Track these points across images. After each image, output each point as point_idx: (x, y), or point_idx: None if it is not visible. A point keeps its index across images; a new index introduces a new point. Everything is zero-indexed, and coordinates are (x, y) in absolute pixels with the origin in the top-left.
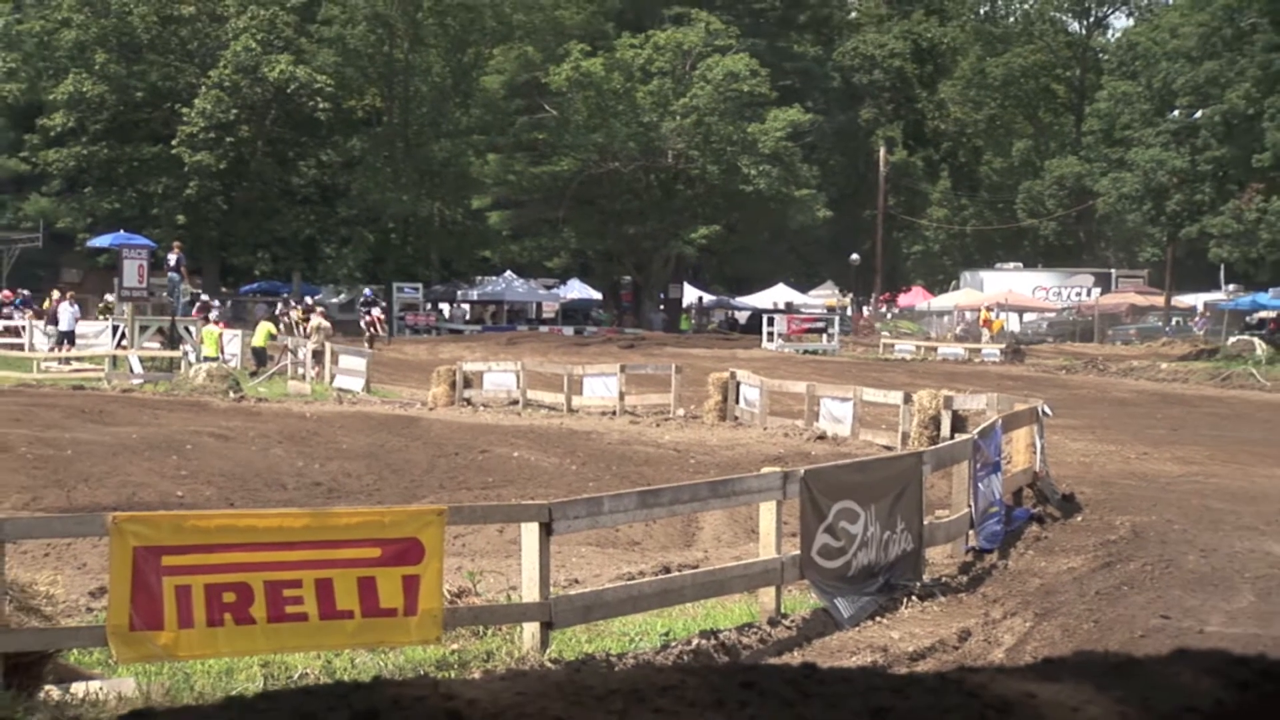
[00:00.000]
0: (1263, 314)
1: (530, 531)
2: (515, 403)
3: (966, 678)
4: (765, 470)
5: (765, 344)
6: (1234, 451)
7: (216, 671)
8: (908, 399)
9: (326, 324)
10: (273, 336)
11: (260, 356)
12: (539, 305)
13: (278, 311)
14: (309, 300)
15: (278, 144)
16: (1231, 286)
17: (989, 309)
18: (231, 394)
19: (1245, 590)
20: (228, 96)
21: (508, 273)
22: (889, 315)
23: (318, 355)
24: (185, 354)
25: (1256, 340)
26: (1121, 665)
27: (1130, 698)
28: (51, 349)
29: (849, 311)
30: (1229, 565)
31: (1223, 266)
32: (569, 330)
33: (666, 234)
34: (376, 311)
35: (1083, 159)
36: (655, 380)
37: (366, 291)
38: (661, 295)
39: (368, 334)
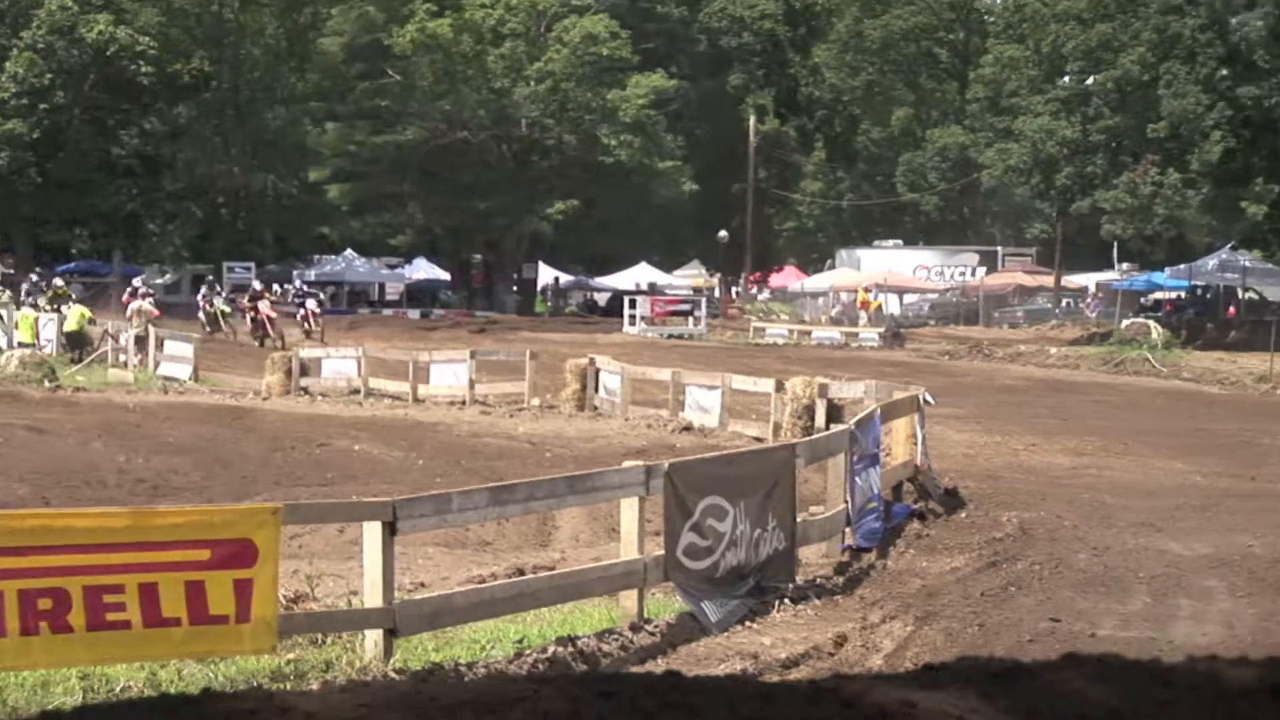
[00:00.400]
0: (1159, 295)
1: (373, 531)
2: (356, 392)
3: (842, 686)
4: (627, 464)
5: (627, 328)
6: (1128, 442)
7: (31, 684)
8: (780, 387)
9: (149, 306)
10: (91, 320)
11: (76, 341)
12: (382, 286)
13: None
14: (135, 282)
15: (97, 111)
16: (1125, 265)
17: (866, 290)
18: (47, 383)
19: (1140, 591)
20: (41, 60)
21: (348, 251)
22: (760, 297)
23: (141, 341)
24: None
25: (1152, 323)
26: (1008, 672)
27: (1017, 706)
28: None
29: (717, 293)
30: (1122, 564)
31: (1116, 244)
32: (415, 313)
33: (520, 209)
34: (312, 304)
35: (967, 129)
36: (508, 367)
37: (299, 283)
38: (515, 276)
39: (304, 328)
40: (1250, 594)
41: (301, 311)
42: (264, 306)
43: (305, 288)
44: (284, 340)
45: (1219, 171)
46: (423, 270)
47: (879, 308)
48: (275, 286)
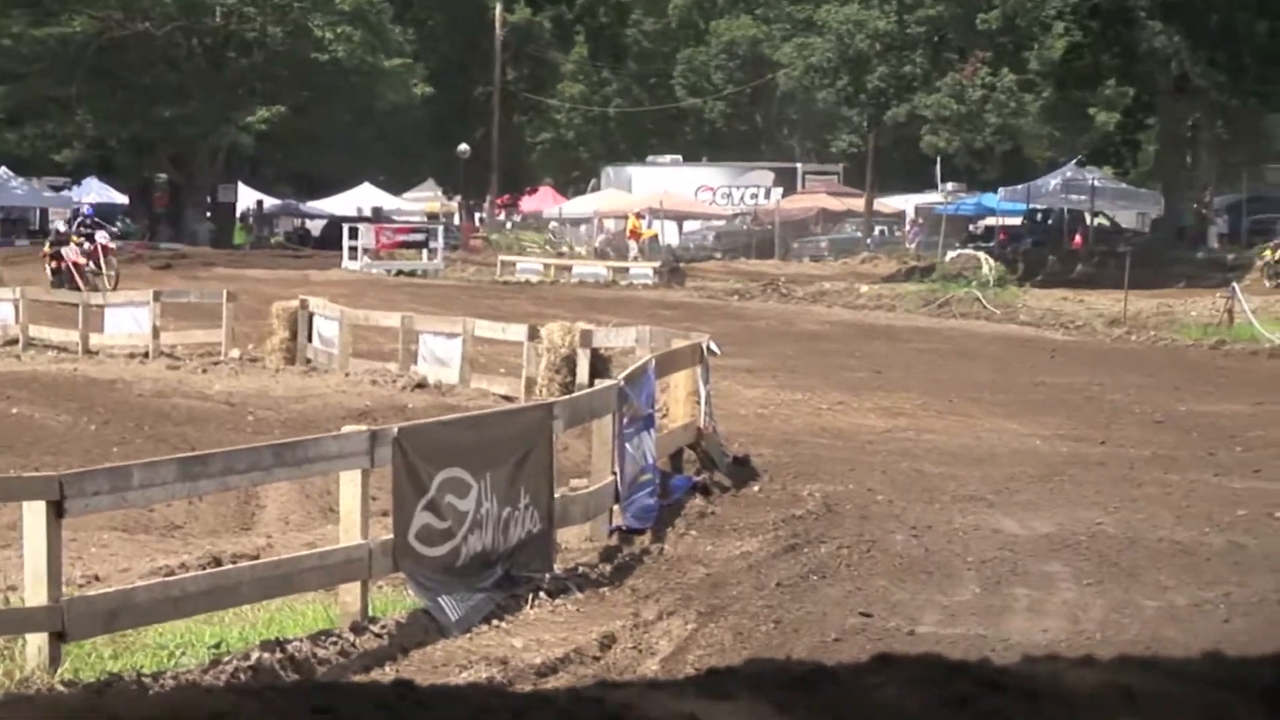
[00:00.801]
0: (990, 221)
1: (35, 513)
2: (14, 342)
3: (608, 696)
4: (347, 429)
5: (347, 263)
6: (954, 399)
7: None
8: (534, 335)
9: None
10: None
11: None
12: (44, 212)
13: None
14: None
15: None
16: (950, 186)
17: (639, 216)
18: None
19: (967, 579)
20: None
21: (2, 169)
22: (509, 225)
23: None
24: None
25: (983, 255)
26: (808, 677)
27: (820, 718)
28: None
29: (457, 220)
30: (947, 547)
31: (939, 160)
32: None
33: (214, 118)
34: (103, 237)
35: (759, 20)
36: (201, 311)
37: (86, 209)
38: (209, 199)
39: (88, 268)
40: (1099, 581)
41: (87, 245)
42: (70, 252)
43: (92, 217)
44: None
45: (1062, 72)
46: (94, 192)
47: (653, 238)
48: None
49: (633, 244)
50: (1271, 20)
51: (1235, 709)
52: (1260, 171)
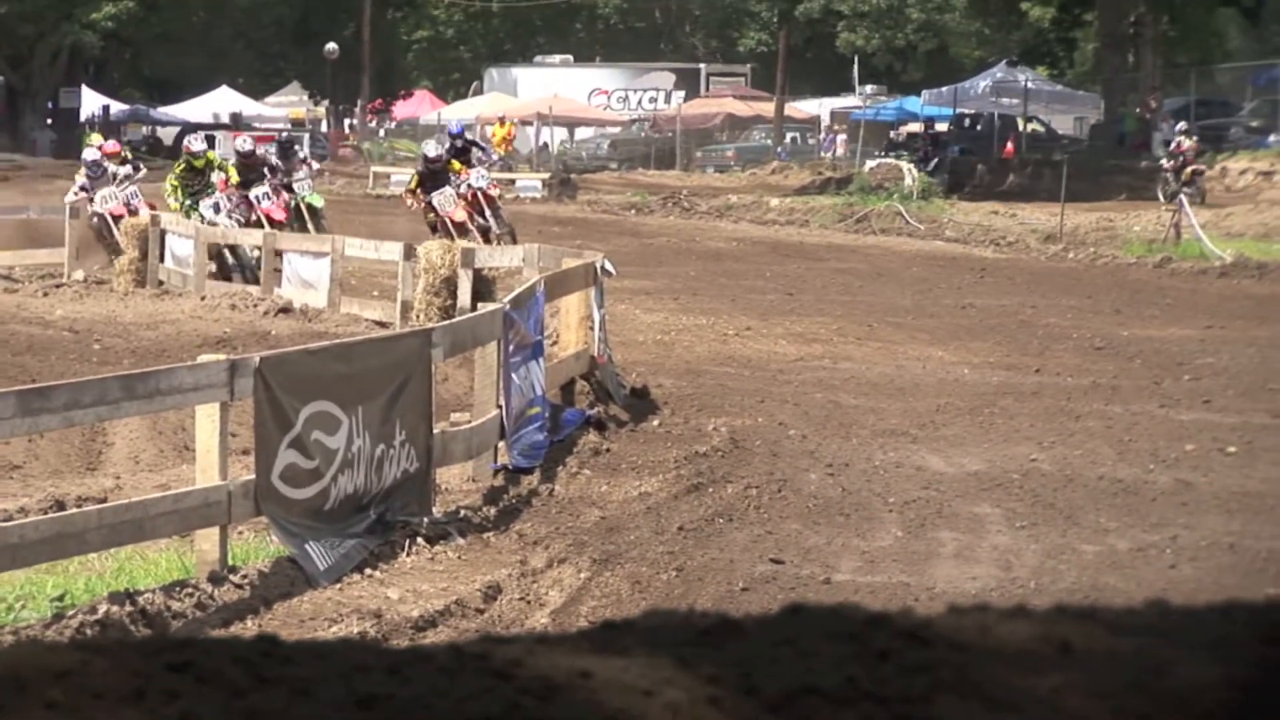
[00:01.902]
0: (914, 127)
1: None
2: None
3: (493, 651)
4: (204, 359)
5: None
6: (874, 324)
7: None
8: (410, 254)
9: None
10: None
11: None
12: None
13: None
14: None
15: None
16: (870, 89)
17: (502, 120)
18: None
19: (889, 521)
20: None
21: None
22: (383, 132)
23: None
24: None
25: (905, 165)
26: (714, 630)
27: (725, 675)
28: None
29: (325, 127)
30: (866, 487)
31: (857, 60)
32: None
33: (55, 14)
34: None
35: None
36: (41, 229)
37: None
38: (49, 105)
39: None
40: (1033, 523)
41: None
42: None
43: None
44: None
45: None
46: None
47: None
48: None
49: (496, 152)
50: None
51: (1182, 662)
52: (1209, 73)
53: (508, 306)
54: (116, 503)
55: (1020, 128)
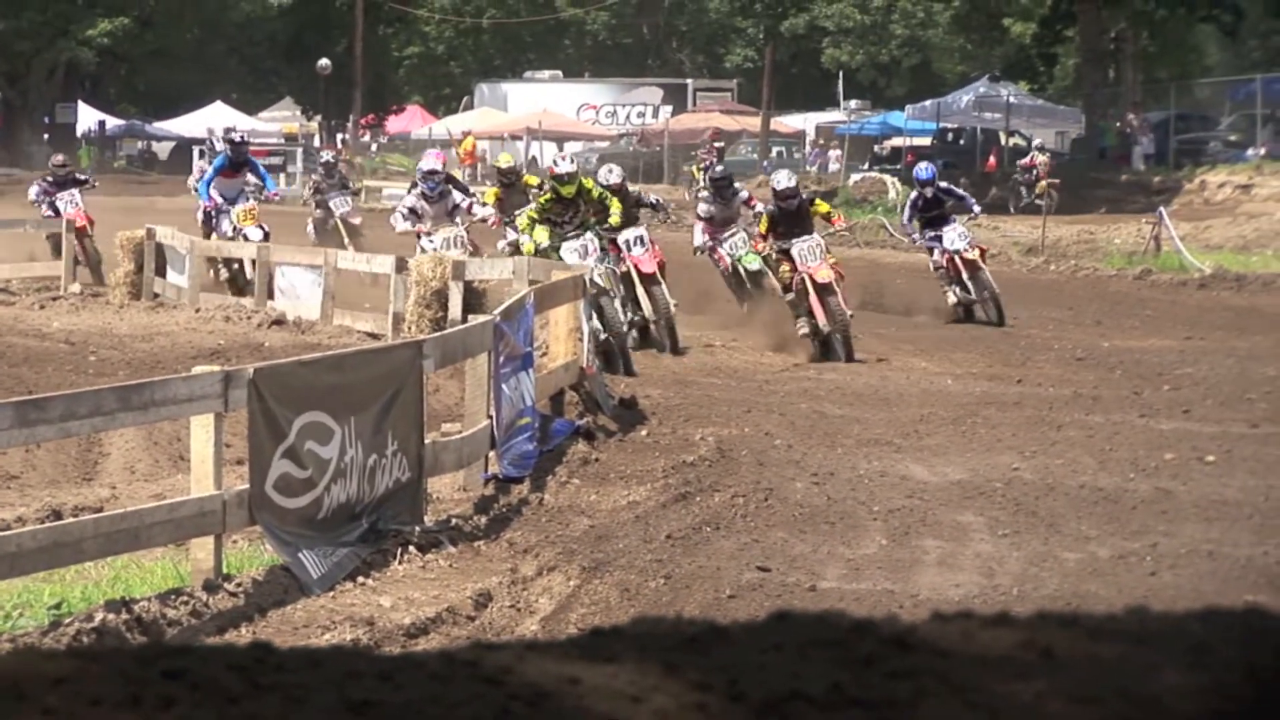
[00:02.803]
0: (897, 142)
1: None
2: None
3: (484, 658)
4: (198, 370)
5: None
6: (858, 335)
7: None
8: (401, 267)
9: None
10: None
11: None
12: None
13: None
14: None
15: None
16: (854, 104)
17: (464, 135)
18: None
19: (873, 530)
20: None
21: None
22: (375, 147)
23: None
24: None
25: (889, 178)
26: (701, 636)
27: (712, 681)
28: None
29: (317, 142)
30: (851, 496)
31: (842, 75)
32: None
33: (51, 31)
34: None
35: None
36: (36, 242)
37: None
38: (46, 120)
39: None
40: (1015, 531)
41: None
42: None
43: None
44: None
45: None
46: None
47: (471, 150)
48: None
49: (465, 169)
50: None
51: (1163, 668)
52: (1189, 88)
53: (498, 318)
54: (112, 512)
55: (1002, 142)
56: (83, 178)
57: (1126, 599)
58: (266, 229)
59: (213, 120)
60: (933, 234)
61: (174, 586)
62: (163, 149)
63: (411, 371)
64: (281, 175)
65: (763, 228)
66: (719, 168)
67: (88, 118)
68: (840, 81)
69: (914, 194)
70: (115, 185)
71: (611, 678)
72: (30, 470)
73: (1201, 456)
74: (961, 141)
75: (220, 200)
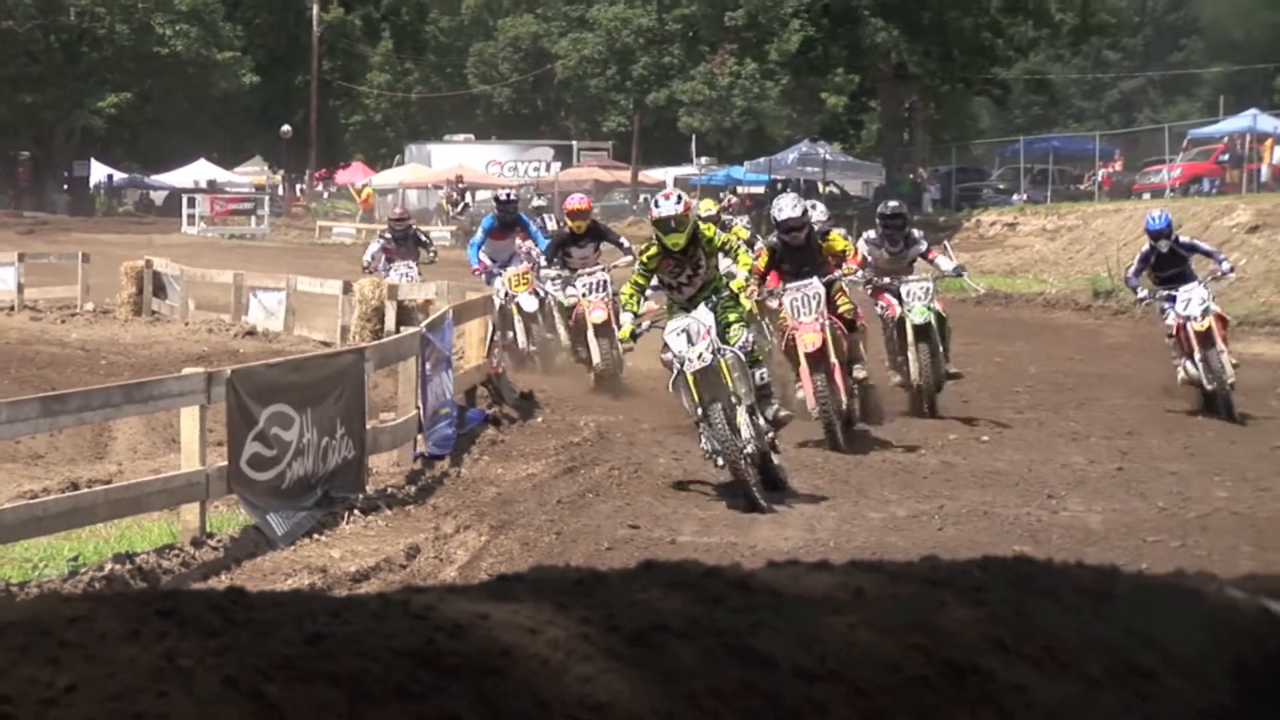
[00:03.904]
0: (739, 190)
1: None
2: None
3: (413, 598)
4: (187, 371)
5: (186, 228)
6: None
7: None
8: (348, 289)
9: None
10: None
11: None
12: None
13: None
14: None
15: None
16: (704, 160)
17: (362, 188)
18: None
19: (720, 495)
20: None
21: None
22: (326, 195)
23: None
24: None
25: (737, 220)
26: (585, 581)
27: (595, 617)
28: None
29: (281, 191)
30: (703, 468)
31: (694, 137)
32: None
33: (70, 103)
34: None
35: (540, 18)
36: (60, 270)
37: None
38: (65, 174)
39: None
40: (832, 496)
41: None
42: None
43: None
44: None
45: (798, 62)
46: None
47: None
48: None
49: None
50: (976, 17)
51: (949, 604)
52: (967, 146)
53: (424, 330)
54: (119, 484)
55: (820, 190)
56: (424, 238)
57: (920, 549)
58: (543, 294)
59: (198, 174)
60: (1166, 294)
61: (168, 543)
62: (159, 197)
63: (356, 372)
64: (253, 218)
65: (761, 264)
66: (893, 203)
67: (99, 172)
68: (693, 142)
69: (1145, 247)
70: (121, 226)
71: (514, 614)
72: (53, 451)
73: (978, 437)
74: (788, 190)
75: (490, 263)
